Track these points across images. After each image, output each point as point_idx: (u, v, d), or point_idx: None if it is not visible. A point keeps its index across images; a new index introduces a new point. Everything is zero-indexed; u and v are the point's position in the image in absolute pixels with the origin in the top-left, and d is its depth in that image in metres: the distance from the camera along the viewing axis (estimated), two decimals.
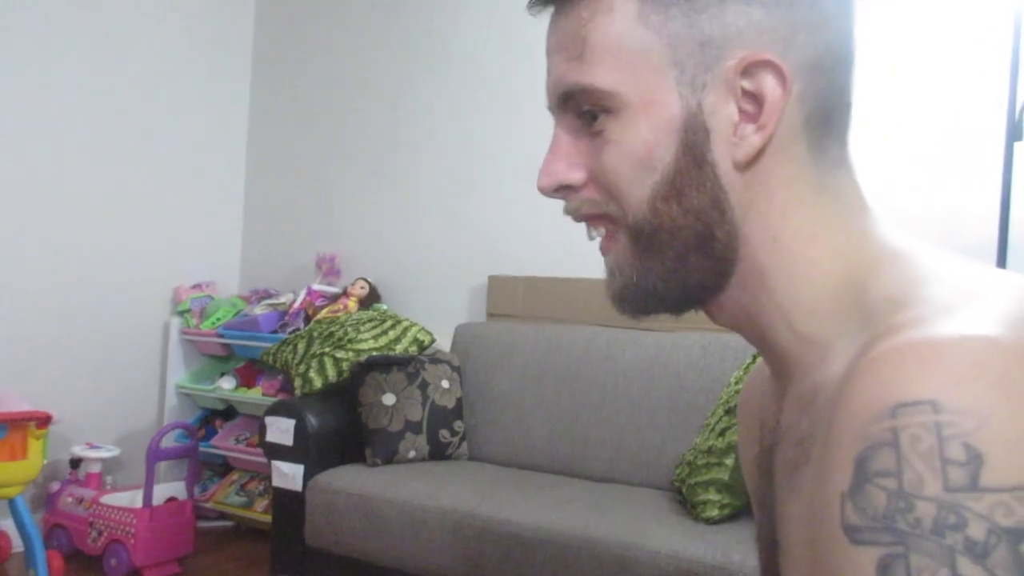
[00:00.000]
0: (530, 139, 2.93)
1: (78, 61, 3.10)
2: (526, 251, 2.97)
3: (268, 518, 2.98)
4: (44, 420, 2.56)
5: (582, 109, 0.57)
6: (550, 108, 0.60)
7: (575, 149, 0.58)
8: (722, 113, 0.55)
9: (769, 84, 0.54)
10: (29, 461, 2.53)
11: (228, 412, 3.42)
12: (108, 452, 2.92)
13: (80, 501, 2.79)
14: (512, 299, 2.92)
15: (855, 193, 0.58)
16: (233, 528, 3.27)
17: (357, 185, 3.44)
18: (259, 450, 3.03)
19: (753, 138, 0.55)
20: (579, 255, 2.75)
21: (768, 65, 0.54)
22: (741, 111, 0.55)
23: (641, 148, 0.55)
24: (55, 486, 2.87)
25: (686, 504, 2.08)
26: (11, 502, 2.54)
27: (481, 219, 3.12)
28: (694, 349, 2.40)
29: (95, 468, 2.88)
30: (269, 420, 2.45)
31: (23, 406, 2.56)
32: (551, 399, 2.56)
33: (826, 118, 0.57)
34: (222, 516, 3.27)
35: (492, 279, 2.97)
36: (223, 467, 3.38)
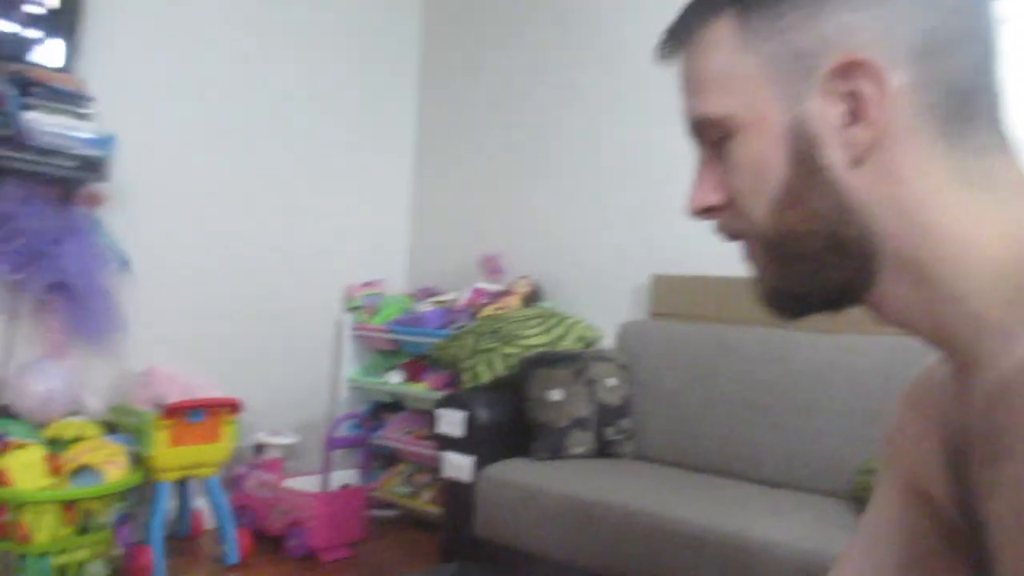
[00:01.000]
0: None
1: (257, 75, 3.32)
2: (691, 249, 2.92)
3: (433, 509, 3.07)
4: (235, 407, 2.75)
5: (710, 137, 0.62)
6: (690, 140, 0.66)
7: (712, 173, 0.63)
8: (826, 118, 0.57)
9: (865, 82, 0.55)
10: (222, 444, 2.73)
11: (395, 405, 3.56)
12: (288, 439, 3.09)
13: (263, 484, 2.97)
14: (676, 298, 2.87)
15: (1015, 177, 0.56)
16: (398, 517, 3.38)
17: (521, 185, 3.49)
18: (426, 442, 3.13)
19: (862, 136, 0.56)
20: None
21: (861, 64, 0.55)
22: (844, 113, 0.56)
23: (756, 163, 0.59)
24: (241, 469, 3.07)
25: None
26: (206, 482, 2.74)
27: (644, 217, 3.09)
28: (876, 352, 2.28)
29: (276, 454, 3.06)
30: (441, 412, 2.52)
31: (217, 394, 2.76)
32: (720, 400, 2.50)
33: (957, 103, 0.56)
34: (386, 505, 3.38)
35: (656, 278, 2.94)
36: (388, 458, 3.51)
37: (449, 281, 3.60)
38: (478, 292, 3.30)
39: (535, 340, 2.74)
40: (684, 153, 2.87)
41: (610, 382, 2.60)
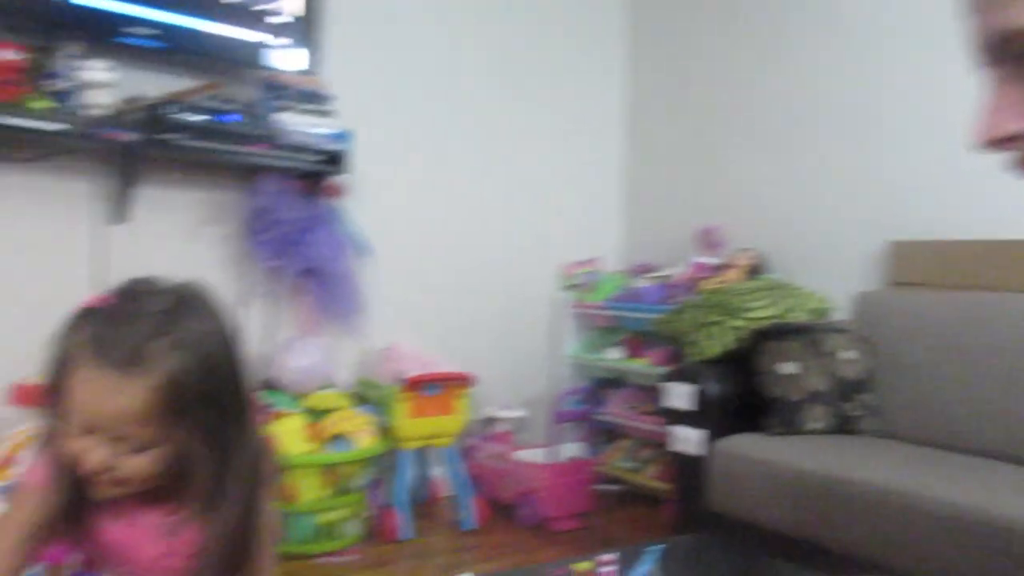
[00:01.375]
0: (936, 91, 2.66)
1: (473, 66, 3.44)
2: (933, 213, 2.70)
3: (658, 484, 3.07)
4: (467, 380, 2.89)
5: (1017, 53, 0.52)
6: (980, 65, 0.56)
7: (1017, 96, 0.54)
8: None
9: None
10: (457, 416, 2.88)
11: (616, 381, 3.58)
12: (517, 413, 3.21)
13: (495, 455, 3.10)
14: (918, 265, 2.67)
15: None
16: (621, 492, 3.39)
17: (739, 154, 3.39)
18: (650, 418, 3.13)
19: None
20: (999, 214, 2.44)
21: None
22: None
23: None
24: (474, 441, 3.22)
25: None
26: (443, 451, 2.90)
27: (878, 181, 2.89)
28: None
29: (506, 427, 3.19)
30: (668, 386, 2.51)
31: (451, 369, 2.91)
32: (975, 375, 2.30)
33: None
34: (610, 480, 3.41)
35: (896, 244, 2.75)
36: (611, 433, 3.54)
37: (665, 256, 3.56)
38: (698, 266, 3.25)
39: (762, 312, 2.66)
40: (926, 108, 2.67)
41: (847, 355, 2.47)
